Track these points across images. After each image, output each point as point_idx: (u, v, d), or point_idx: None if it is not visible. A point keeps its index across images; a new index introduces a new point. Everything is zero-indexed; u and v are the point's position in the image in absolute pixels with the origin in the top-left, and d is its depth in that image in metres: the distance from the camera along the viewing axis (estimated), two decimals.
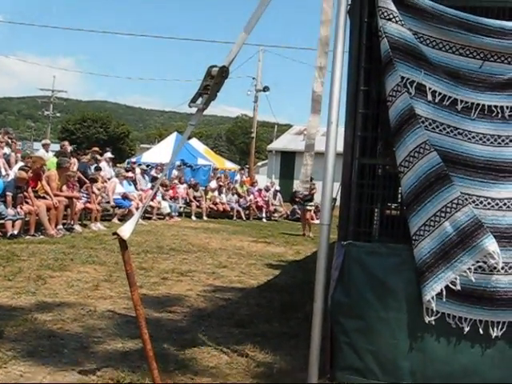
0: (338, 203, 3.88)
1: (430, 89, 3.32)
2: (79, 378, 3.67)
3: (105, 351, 4.20)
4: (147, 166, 19.73)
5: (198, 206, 17.94)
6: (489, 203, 3.27)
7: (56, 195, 11.04)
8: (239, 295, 6.56)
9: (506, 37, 3.26)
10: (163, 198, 16.38)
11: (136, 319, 3.30)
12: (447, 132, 3.31)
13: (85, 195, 12.55)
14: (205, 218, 17.71)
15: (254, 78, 33.61)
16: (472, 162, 3.30)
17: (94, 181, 13.09)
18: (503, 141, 3.31)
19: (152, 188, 15.90)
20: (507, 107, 3.33)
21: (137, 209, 14.27)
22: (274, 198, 21.00)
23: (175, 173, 19.37)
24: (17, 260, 7.61)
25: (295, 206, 19.03)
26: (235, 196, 19.56)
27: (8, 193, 9.90)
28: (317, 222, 19.38)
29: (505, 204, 3.26)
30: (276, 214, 20.59)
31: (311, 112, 3.66)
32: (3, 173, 11.69)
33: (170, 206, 16.46)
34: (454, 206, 3.20)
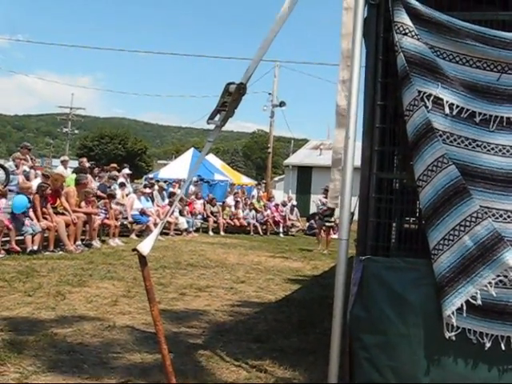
0: (355, 217, 3.87)
1: (447, 102, 3.31)
2: None
3: (124, 366, 4.22)
4: (164, 181, 19.84)
5: (215, 222, 17.99)
6: (509, 216, 3.23)
7: (75, 211, 11.16)
8: (257, 310, 6.54)
9: None
10: (181, 214, 16.45)
11: (155, 334, 3.31)
12: (465, 145, 3.29)
13: (103, 211, 12.66)
14: (222, 233, 17.75)
15: (270, 94, 33.74)
16: (491, 175, 3.27)
17: (111, 197, 13.20)
18: None
19: (170, 204, 15.99)
20: None
21: (154, 224, 14.36)
22: (291, 212, 20.96)
23: (192, 188, 19.46)
24: (36, 276, 7.69)
25: (312, 221, 18.99)
26: (252, 211, 19.57)
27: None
28: (334, 236, 19.35)
29: None
30: (293, 229, 20.55)
31: (336, 126, 3.66)
32: None
33: (188, 222, 16.53)
34: (474, 219, 3.17)
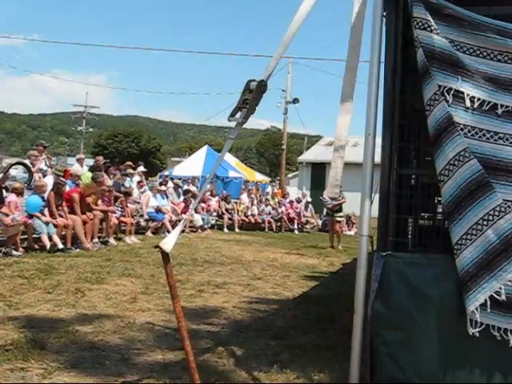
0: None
1: (468, 95, 3.29)
2: None
3: (146, 363, 4.25)
4: (179, 179, 19.92)
5: (229, 219, 18.03)
6: None
7: (92, 209, 11.25)
8: (275, 307, 6.56)
9: None
10: (196, 211, 16.52)
11: (175, 331, 3.34)
12: (487, 138, 3.26)
13: (119, 209, 12.74)
14: (237, 230, 17.80)
15: (283, 90, 33.71)
16: None
17: (127, 194, 13.27)
18: None
19: (185, 201, 16.06)
20: None
21: (170, 222, 14.43)
22: (306, 209, 20.98)
23: (207, 186, 19.50)
24: (55, 273, 7.77)
25: (326, 218, 18.97)
26: (268, 207, 19.58)
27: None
28: (348, 233, 19.30)
29: None
30: (308, 226, 20.56)
31: (340, 113, 3.61)
32: None
33: (203, 219, 16.59)
34: (497, 213, 3.14)
